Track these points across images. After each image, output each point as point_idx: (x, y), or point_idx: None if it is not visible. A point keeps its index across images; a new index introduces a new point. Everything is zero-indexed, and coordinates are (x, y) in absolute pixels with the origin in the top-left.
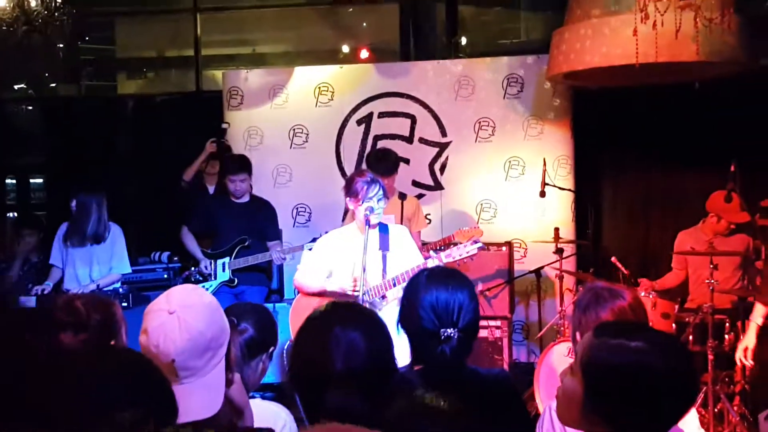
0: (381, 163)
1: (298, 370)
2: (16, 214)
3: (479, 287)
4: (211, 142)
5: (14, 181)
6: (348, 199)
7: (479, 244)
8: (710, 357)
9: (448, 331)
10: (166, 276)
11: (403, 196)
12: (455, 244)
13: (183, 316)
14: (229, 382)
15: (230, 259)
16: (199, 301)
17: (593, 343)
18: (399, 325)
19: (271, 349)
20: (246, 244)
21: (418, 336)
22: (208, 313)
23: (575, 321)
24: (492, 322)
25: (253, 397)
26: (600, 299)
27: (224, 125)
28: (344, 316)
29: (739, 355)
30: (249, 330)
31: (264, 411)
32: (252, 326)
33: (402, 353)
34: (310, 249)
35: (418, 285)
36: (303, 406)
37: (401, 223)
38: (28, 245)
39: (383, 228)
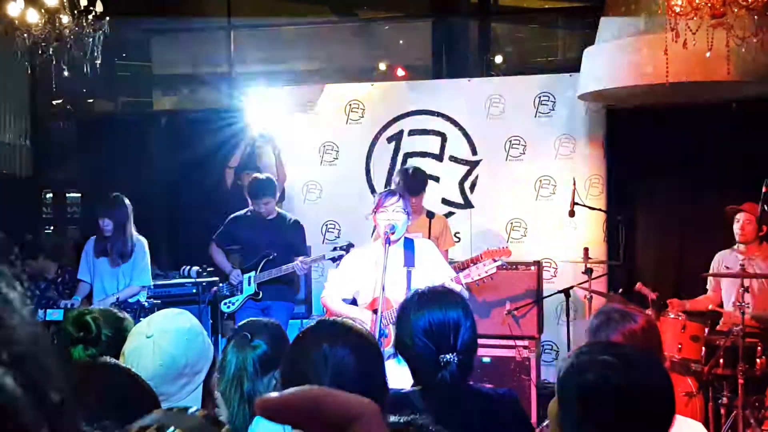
0: (408, 181)
1: (286, 388)
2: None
3: (507, 306)
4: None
5: (51, 196)
6: (372, 214)
7: (498, 262)
8: (740, 381)
9: (447, 356)
10: (194, 291)
11: (431, 215)
12: (476, 266)
13: (158, 341)
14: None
15: (255, 273)
16: (178, 327)
17: (568, 361)
18: (396, 352)
19: None
20: (271, 258)
21: (415, 362)
22: (186, 339)
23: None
24: (520, 342)
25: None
26: (611, 322)
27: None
28: (333, 334)
29: None
30: (262, 346)
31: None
32: (265, 342)
33: (404, 376)
34: (332, 259)
35: (409, 309)
36: (291, 426)
37: None
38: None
39: (408, 244)
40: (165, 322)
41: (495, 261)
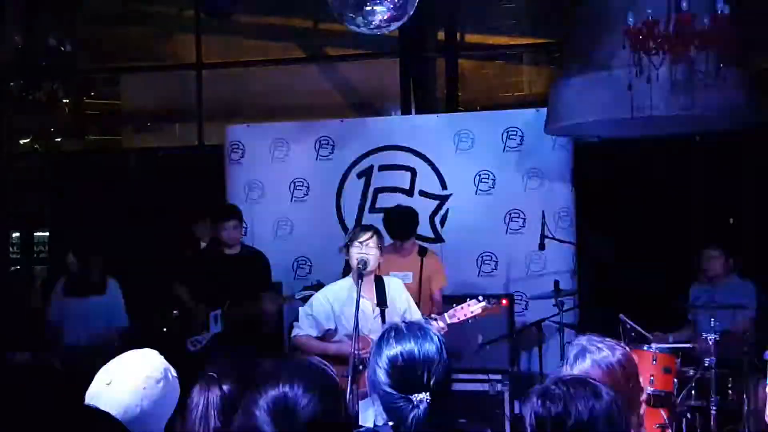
0: (396, 225)
1: (243, 424)
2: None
3: (479, 340)
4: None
5: (18, 235)
6: (345, 248)
7: (483, 303)
8: (713, 412)
9: (418, 396)
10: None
11: (423, 252)
12: (461, 307)
13: (115, 389)
14: None
15: (222, 311)
16: (137, 374)
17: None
18: (369, 388)
19: None
20: (237, 294)
21: (387, 399)
22: (143, 387)
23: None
24: (493, 376)
25: None
26: (587, 353)
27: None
28: (292, 373)
29: None
30: (230, 385)
31: None
32: (233, 381)
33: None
34: (300, 297)
35: (381, 346)
36: None
37: (419, 282)
38: None
39: (379, 283)
40: (125, 368)
41: (480, 301)
